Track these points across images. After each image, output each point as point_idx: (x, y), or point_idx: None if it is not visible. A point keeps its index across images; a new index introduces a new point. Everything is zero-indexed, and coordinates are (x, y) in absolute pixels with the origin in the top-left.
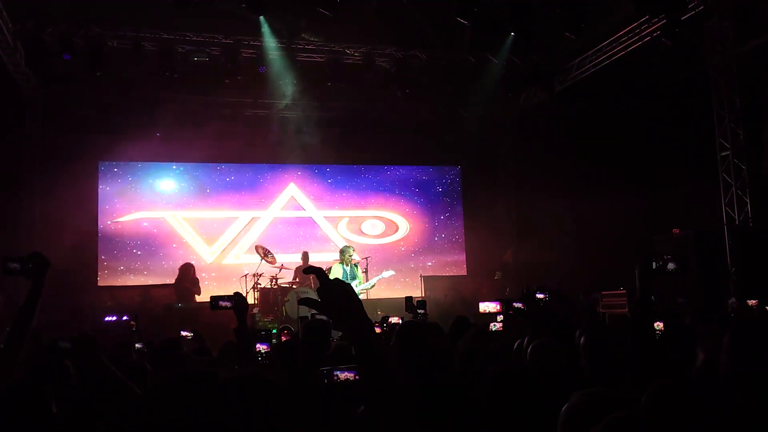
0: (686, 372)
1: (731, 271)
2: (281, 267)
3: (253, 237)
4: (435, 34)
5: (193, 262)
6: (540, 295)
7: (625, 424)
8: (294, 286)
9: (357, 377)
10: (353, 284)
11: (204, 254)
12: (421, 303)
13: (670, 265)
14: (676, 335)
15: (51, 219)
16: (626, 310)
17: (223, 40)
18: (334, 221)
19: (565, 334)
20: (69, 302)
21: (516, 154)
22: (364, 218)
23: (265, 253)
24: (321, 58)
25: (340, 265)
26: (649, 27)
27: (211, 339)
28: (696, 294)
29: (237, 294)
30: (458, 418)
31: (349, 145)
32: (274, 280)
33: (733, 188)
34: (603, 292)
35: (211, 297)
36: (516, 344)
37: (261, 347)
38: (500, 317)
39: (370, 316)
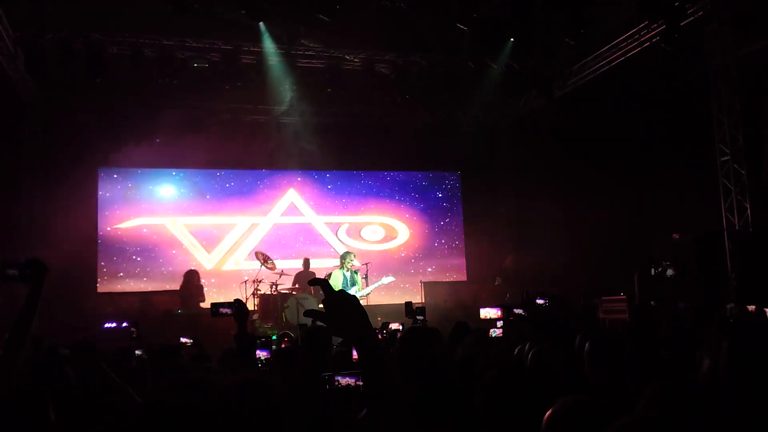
0: (686, 376)
1: (731, 276)
2: (281, 273)
3: (253, 243)
4: (434, 40)
5: (194, 268)
6: (540, 301)
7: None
8: (294, 292)
9: (358, 383)
10: (353, 290)
11: (204, 260)
12: (420, 309)
13: (669, 272)
14: (677, 340)
15: (51, 225)
16: (626, 315)
17: (223, 47)
18: (333, 227)
19: (565, 339)
20: (69, 308)
21: (516, 159)
22: (364, 224)
23: (264, 259)
24: (321, 64)
25: (340, 271)
26: (648, 32)
27: (211, 345)
28: (696, 299)
29: (237, 301)
30: (456, 423)
31: (349, 150)
32: (273, 286)
33: (733, 193)
34: (603, 298)
35: (212, 304)
36: (516, 350)
37: (261, 354)
38: (500, 323)
39: (370, 321)
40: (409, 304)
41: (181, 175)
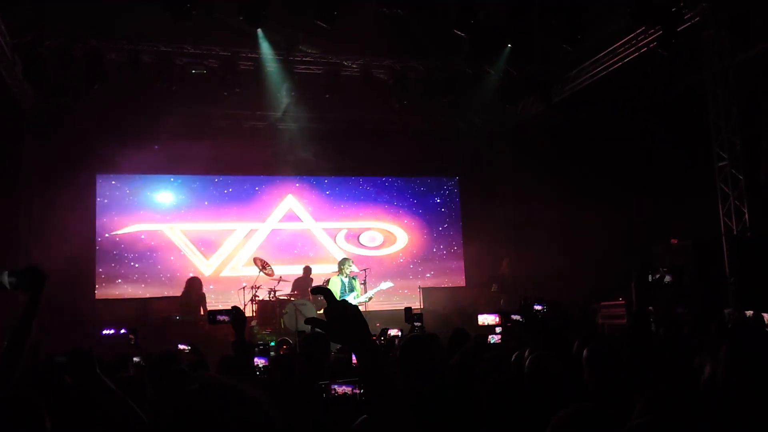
0: (683, 382)
1: (730, 281)
2: (279, 279)
3: (251, 249)
4: (432, 46)
5: (197, 276)
6: (538, 307)
7: None
8: (292, 299)
9: (354, 391)
10: (351, 296)
11: (202, 266)
12: (418, 316)
13: (667, 278)
14: (675, 345)
15: (49, 232)
16: (625, 320)
17: (221, 53)
18: (332, 233)
19: (563, 345)
20: (67, 315)
21: (514, 165)
22: (363, 230)
23: (263, 265)
24: (319, 70)
25: (339, 277)
26: (645, 38)
27: (209, 352)
28: (695, 304)
29: (235, 308)
30: (455, 427)
31: (347, 156)
32: (272, 293)
33: (731, 198)
34: (602, 303)
35: (210, 311)
36: (514, 356)
37: (259, 362)
38: (498, 329)
39: (369, 327)
40: (408, 309)
41: (180, 181)
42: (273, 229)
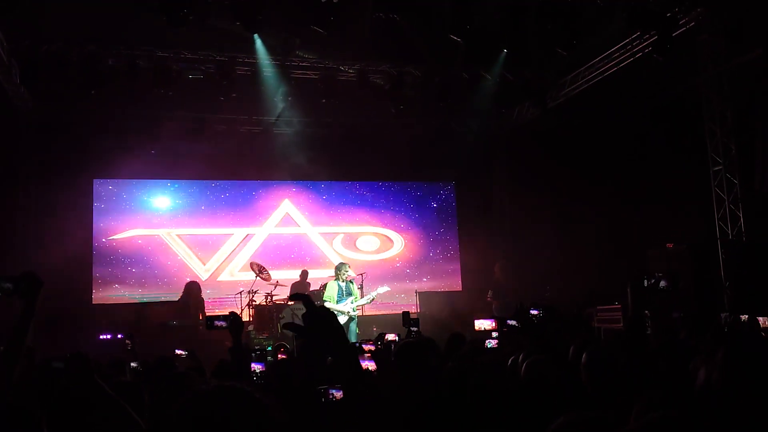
0: (678, 387)
1: (725, 285)
2: (276, 284)
3: (248, 254)
4: (428, 51)
5: (195, 280)
6: (534, 312)
7: None
8: (289, 303)
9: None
10: (349, 300)
11: (199, 271)
12: (415, 321)
13: (662, 283)
14: (671, 350)
15: (46, 237)
16: (621, 324)
17: (218, 58)
18: (329, 237)
19: (559, 349)
20: (63, 320)
21: (510, 169)
22: (359, 234)
23: (260, 270)
24: (315, 75)
25: (336, 281)
26: (641, 43)
27: (206, 357)
28: (691, 308)
29: (232, 313)
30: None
31: (344, 161)
32: (269, 297)
33: (726, 203)
34: (598, 307)
35: (207, 317)
36: (510, 360)
37: (256, 367)
38: (495, 334)
39: (365, 332)
40: (406, 314)
41: (176, 185)
42: (270, 234)
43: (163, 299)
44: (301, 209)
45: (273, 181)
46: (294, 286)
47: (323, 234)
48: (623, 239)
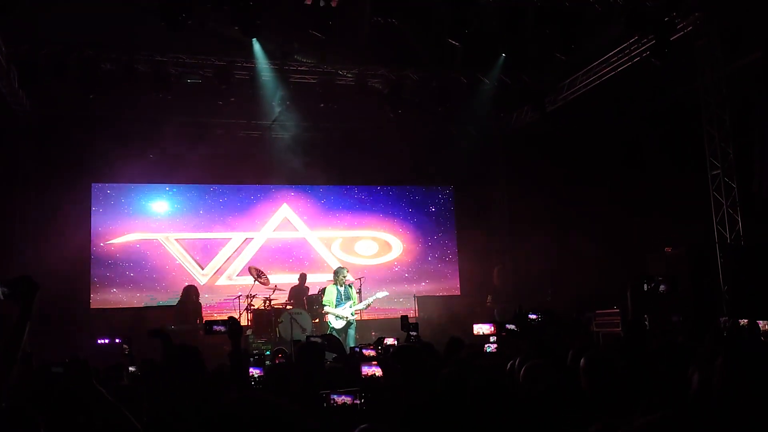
0: (679, 391)
1: (723, 290)
2: (275, 288)
3: (247, 258)
4: (427, 55)
5: (193, 285)
6: (532, 316)
7: None
8: (288, 307)
9: (354, 401)
10: (347, 305)
11: (197, 276)
12: (414, 325)
13: (661, 287)
14: (670, 354)
15: (44, 241)
16: (619, 329)
17: (216, 62)
18: (327, 242)
19: (558, 354)
20: (61, 325)
21: (508, 173)
22: (358, 238)
23: (258, 275)
24: (314, 79)
25: (334, 285)
26: (639, 47)
27: (205, 362)
28: (689, 312)
29: (231, 318)
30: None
31: (342, 165)
32: (267, 302)
33: (725, 207)
34: (596, 311)
35: (206, 321)
36: (509, 364)
37: (254, 371)
38: (493, 338)
39: (364, 336)
40: (405, 318)
41: (175, 190)
42: (268, 238)
43: (161, 303)
44: (300, 213)
45: (271, 186)
46: (293, 290)
47: (322, 238)
48: (622, 243)
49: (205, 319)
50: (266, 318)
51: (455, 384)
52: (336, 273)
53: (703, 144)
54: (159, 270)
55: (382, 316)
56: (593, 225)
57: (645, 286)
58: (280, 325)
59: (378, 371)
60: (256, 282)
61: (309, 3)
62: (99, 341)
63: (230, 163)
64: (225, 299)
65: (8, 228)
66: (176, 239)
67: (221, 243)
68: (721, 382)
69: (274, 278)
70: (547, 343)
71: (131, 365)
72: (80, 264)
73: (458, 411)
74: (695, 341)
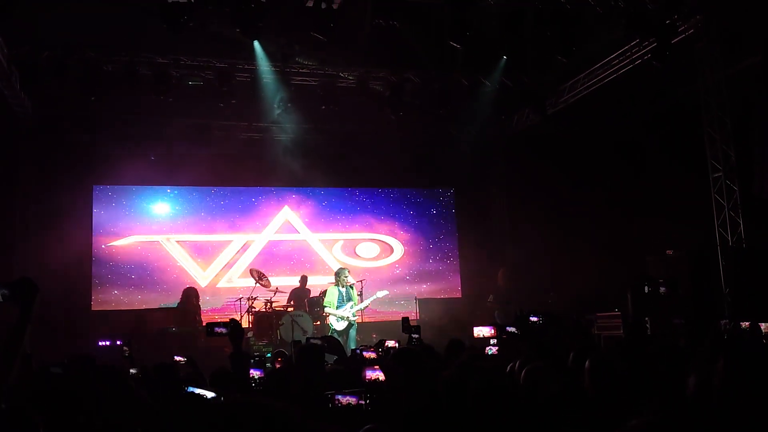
0: (679, 394)
1: (725, 292)
2: (276, 290)
3: (248, 260)
4: (428, 58)
5: (194, 287)
6: (533, 318)
7: None
8: (289, 309)
9: (359, 402)
10: (348, 306)
11: (198, 278)
12: (416, 328)
13: (662, 289)
14: (671, 357)
15: (45, 243)
16: (621, 331)
17: (218, 64)
18: (328, 244)
19: (559, 356)
20: (63, 326)
21: (509, 176)
22: (359, 241)
23: (259, 277)
24: (315, 81)
25: (336, 287)
26: (640, 50)
27: (205, 364)
28: (690, 315)
29: (233, 320)
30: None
31: (344, 168)
32: (268, 304)
33: (726, 209)
34: (597, 314)
35: (207, 324)
36: (509, 367)
37: (255, 373)
38: (494, 341)
39: (365, 339)
40: (406, 319)
41: (176, 192)
42: (269, 241)
43: (162, 306)
44: (301, 216)
45: (272, 188)
46: (293, 292)
47: (323, 240)
48: (623, 246)
49: (205, 321)
50: (267, 320)
51: (456, 386)
52: (337, 274)
53: (704, 146)
54: (160, 272)
55: (384, 319)
56: (594, 227)
57: (646, 289)
58: (281, 327)
59: (381, 375)
60: (257, 284)
61: (310, 5)
62: (100, 343)
63: (231, 165)
64: (226, 302)
65: (9, 229)
66: (177, 241)
67: (222, 245)
68: (722, 385)
69: (275, 280)
70: (547, 345)
71: (132, 367)
72: (81, 266)
73: (459, 413)
74: (696, 344)
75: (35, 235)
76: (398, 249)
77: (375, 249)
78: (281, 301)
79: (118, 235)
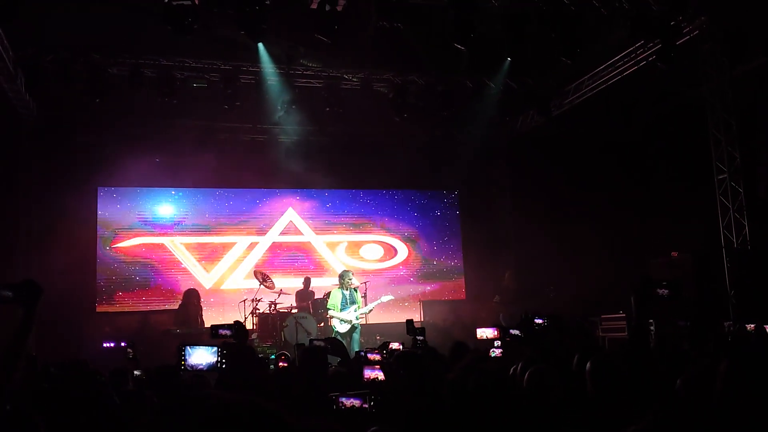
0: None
1: (730, 294)
2: (280, 292)
3: (252, 262)
4: (432, 60)
5: (195, 288)
6: (538, 321)
7: None
8: (293, 311)
9: (363, 404)
10: (352, 309)
11: (203, 279)
12: (420, 330)
13: (662, 291)
14: (674, 359)
15: (50, 244)
16: (625, 333)
17: (222, 67)
18: (333, 246)
19: (563, 358)
20: (68, 328)
21: (513, 177)
22: (363, 243)
23: (263, 278)
24: (319, 83)
25: (339, 289)
26: (644, 52)
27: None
28: (695, 317)
29: (237, 323)
30: None
31: (348, 169)
32: (272, 306)
33: (731, 211)
34: (602, 316)
35: (212, 326)
36: (512, 369)
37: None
38: (497, 343)
39: (369, 341)
40: (410, 322)
41: (180, 194)
42: (274, 242)
43: (166, 307)
44: (305, 217)
45: (277, 189)
46: (298, 294)
47: (327, 242)
48: (628, 247)
49: (208, 322)
50: (271, 322)
51: (461, 389)
52: (341, 276)
53: (709, 148)
54: (164, 273)
55: (388, 321)
56: (599, 229)
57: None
58: (285, 329)
59: (380, 375)
60: (262, 286)
61: (315, 7)
62: (105, 345)
63: (236, 167)
64: (230, 305)
65: (14, 231)
66: (182, 243)
67: (227, 247)
68: (724, 387)
69: (280, 282)
70: (550, 347)
71: (136, 369)
72: (86, 267)
73: (463, 416)
74: (699, 346)
75: (39, 237)
76: (402, 251)
77: (379, 251)
78: (285, 302)
79: (123, 237)
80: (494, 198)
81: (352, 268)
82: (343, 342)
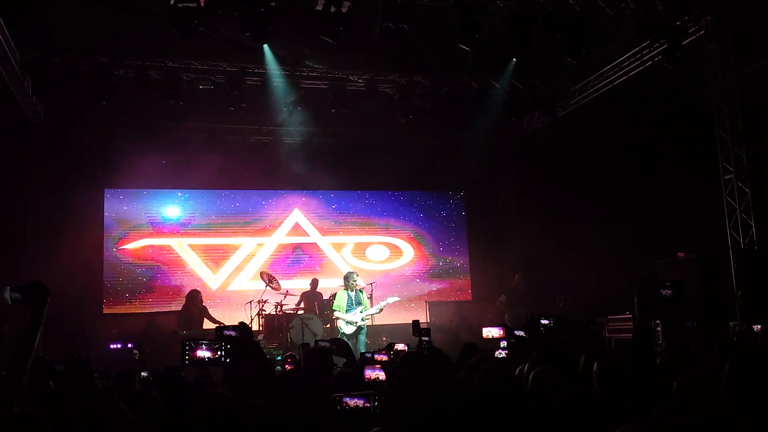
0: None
1: (737, 295)
2: (286, 293)
3: (258, 263)
4: (437, 61)
5: (197, 288)
6: (544, 321)
7: None
8: (299, 312)
9: (366, 404)
10: (358, 310)
11: (209, 281)
12: (426, 331)
13: (666, 292)
14: (680, 361)
15: (57, 246)
16: (632, 334)
17: (228, 68)
18: (338, 247)
19: (569, 360)
20: (75, 330)
21: (519, 178)
22: (369, 244)
23: (270, 280)
24: (325, 85)
25: (345, 291)
26: (650, 52)
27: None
28: (701, 318)
29: (242, 324)
30: None
31: (354, 171)
32: (279, 307)
33: (738, 211)
34: (609, 317)
35: (217, 327)
36: (518, 370)
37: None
38: (503, 343)
39: (375, 341)
40: (416, 323)
41: (187, 195)
42: (280, 243)
43: (173, 309)
44: (311, 218)
45: (283, 191)
46: (304, 295)
47: (333, 243)
48: (634, 248)
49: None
50: (277, 323)
51: (469, 390)
52: (346, 278)
53: (716, 148)
54: (171, 275)
55: (393, 321)
56: (605, 230)
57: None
58: (291, 330)
59: (381, 375)
60: (268, 287)
61: (320, 9)
62: (111, 346)
63: (242, 169)
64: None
65: (21, 233)
66: (188, 244)
67: (233, 248)
68: (727, 388)
69: (286, 283)
70: (556, 348)
71: (143, 370)
72: (93, 269)
73: (469, 416)
74: (705, 348)
75: (47, 239)
76: (408, 252)
77: (385, 252)
78: (291, 304)
79: (130, 239)
80: (500, 199)
81: (358, 270)
82: (349, 343)
